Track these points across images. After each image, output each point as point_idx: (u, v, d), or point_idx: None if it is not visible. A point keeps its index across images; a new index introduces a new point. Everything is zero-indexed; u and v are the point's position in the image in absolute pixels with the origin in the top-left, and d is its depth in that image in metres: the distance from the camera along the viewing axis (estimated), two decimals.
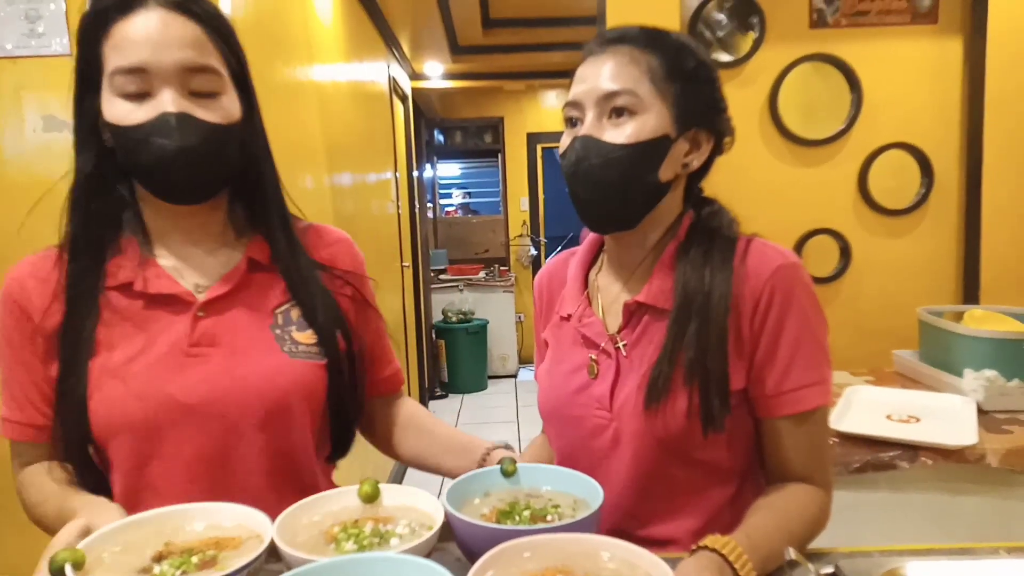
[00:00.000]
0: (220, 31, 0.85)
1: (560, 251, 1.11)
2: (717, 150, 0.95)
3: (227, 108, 0.85)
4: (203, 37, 0.83)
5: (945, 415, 1.58)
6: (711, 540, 0.71)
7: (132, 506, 0.79)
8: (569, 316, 0.95)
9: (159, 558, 0.67)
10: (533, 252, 6.54)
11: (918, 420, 1.57)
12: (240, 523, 0.72)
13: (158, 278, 0.88)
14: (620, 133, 0.84)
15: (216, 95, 0.83)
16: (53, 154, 1.61)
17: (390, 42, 4.26)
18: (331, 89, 2.79)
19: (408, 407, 1.08)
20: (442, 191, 7.08)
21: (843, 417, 1.56)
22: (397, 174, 4.31)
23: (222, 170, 0.87)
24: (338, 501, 0.79)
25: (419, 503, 0.78)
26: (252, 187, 0.93)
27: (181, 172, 0.82)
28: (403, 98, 4.85)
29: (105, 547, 0.68)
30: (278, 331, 0.90)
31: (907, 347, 2.04)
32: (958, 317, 1.91)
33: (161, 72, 0.80)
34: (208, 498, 0.75)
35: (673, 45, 0.87)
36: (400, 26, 4.24)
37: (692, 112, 0.87)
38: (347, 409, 0.97)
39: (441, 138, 6.68)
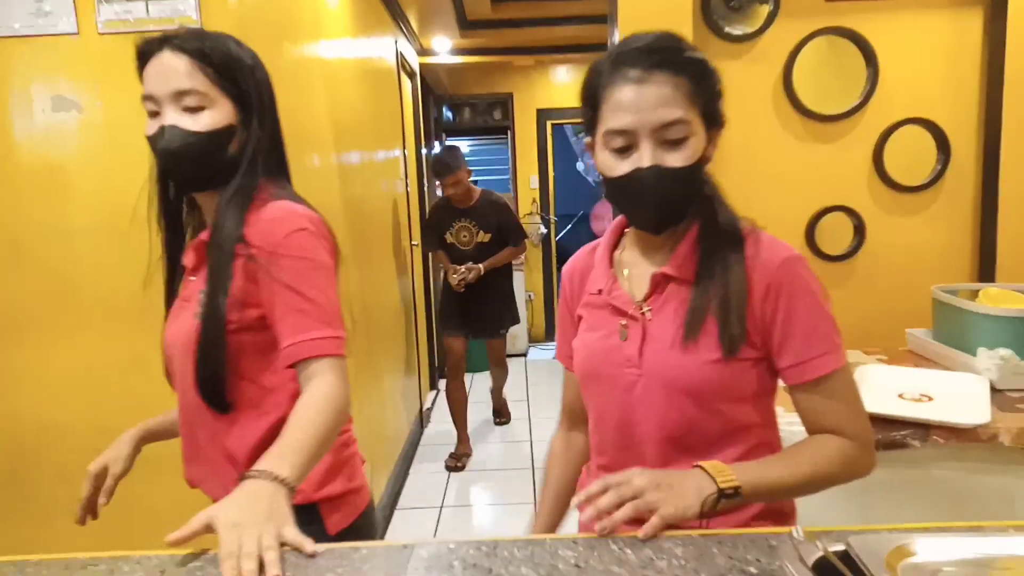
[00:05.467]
0: (210, 61, 1.07)
1: (576, 240, 1.19)
2: None
3: (209, 118, 1.08)
4: (192, 67, 1.06)
5: (958, 394, 1.57)
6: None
7: None
8: (600, 291, 1.09)
9: None
10: (543, 230, 6.51)
11: (931, 399, 1.56)
12: None
13: (187, 251, 1.18)
14: (680, 157, 0.95)
15: (201, 109, 1.07)
16: (63, 134, 1.61)
17: (398, 17, 4.22)
18: (338, 66, 2.77)
19: (306, 391, 1.04)
20: None
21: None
22: (406, 152, 4.30)
23: (207, 166, 1.09)
24: None
25: None
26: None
27: (171, 169, 1.11)
28: (411, 75, 4.81)
29: None
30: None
31: (921, 326, 2.02)
32: (973, 295, 1.89)
33: (161, 96, 1.07)
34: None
35: (696, 64, 0.97)
36: (408, 1, 4.19)
37: (713, 119, 1.00)
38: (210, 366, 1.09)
39: (450, 115, 6.64)
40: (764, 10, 2.16)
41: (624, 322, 1.05)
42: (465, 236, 3.80)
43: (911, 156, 2.23)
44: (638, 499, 0.85)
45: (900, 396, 1.58)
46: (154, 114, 1.08)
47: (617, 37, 2.14)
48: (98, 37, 1.53)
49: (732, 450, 1.01)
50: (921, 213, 2.27)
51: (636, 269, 1.08)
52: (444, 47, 5.33)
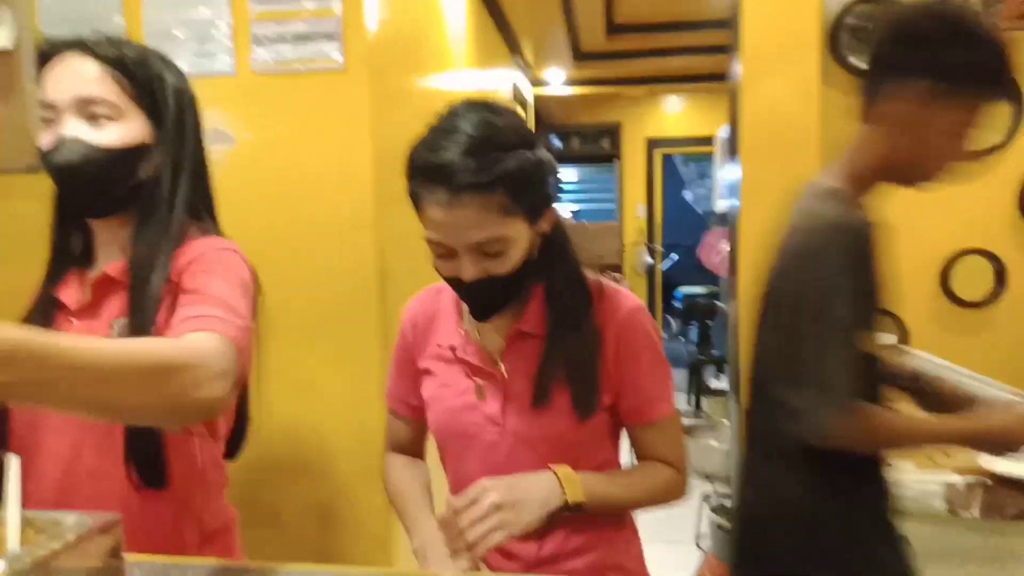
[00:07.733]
0: (125, 69, 0.95)
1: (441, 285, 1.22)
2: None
3: (118, 133, 0.95)
4: (102, 73, 0.94)
5: None
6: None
7: None
8: (453, 348, 1.08)
9: None
10: (649, 260, 6.44)
11: None
12: None
13: (67, 285, 1.02)
14: (502, 265, 0.95)
15: (109, 121, 0.94)
16: (218, 166, 1.76)
17: (515, 49, 4.34)
18: (459, 97, 2.88)
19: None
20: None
21: (995, 458, 1.44)
22: None
23: (113, 189, 0.96)
24: None
25: None
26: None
27: (68, 189, 0.97)
28: (524, 105, 4.92)
29: None
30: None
31: None
32: None
33: (61, 103, 0.93)
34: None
35: (510, 175, 0.91)
36: (525, 33, 4.31)
37: (538, 210, 0.98)
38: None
39: (558, 144, 6.73)
40: None
41: (481, 381, 1.06)
42: None
43: None
44: (491, 522, 0.88)
45: None
46: (50, 123, 0.93)
47: (739, 70, 2.11)
48: (252, 76, 1.67)
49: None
50: None
51: (487, 326, 1.07)
52: (557, 78, 5.43)
